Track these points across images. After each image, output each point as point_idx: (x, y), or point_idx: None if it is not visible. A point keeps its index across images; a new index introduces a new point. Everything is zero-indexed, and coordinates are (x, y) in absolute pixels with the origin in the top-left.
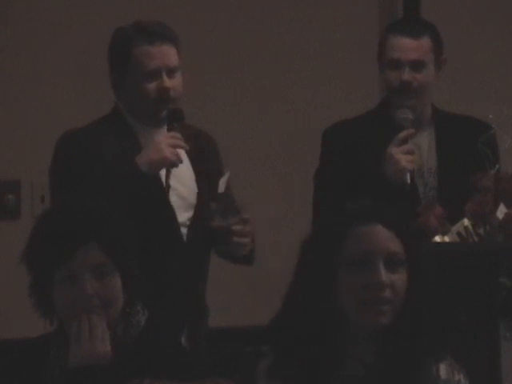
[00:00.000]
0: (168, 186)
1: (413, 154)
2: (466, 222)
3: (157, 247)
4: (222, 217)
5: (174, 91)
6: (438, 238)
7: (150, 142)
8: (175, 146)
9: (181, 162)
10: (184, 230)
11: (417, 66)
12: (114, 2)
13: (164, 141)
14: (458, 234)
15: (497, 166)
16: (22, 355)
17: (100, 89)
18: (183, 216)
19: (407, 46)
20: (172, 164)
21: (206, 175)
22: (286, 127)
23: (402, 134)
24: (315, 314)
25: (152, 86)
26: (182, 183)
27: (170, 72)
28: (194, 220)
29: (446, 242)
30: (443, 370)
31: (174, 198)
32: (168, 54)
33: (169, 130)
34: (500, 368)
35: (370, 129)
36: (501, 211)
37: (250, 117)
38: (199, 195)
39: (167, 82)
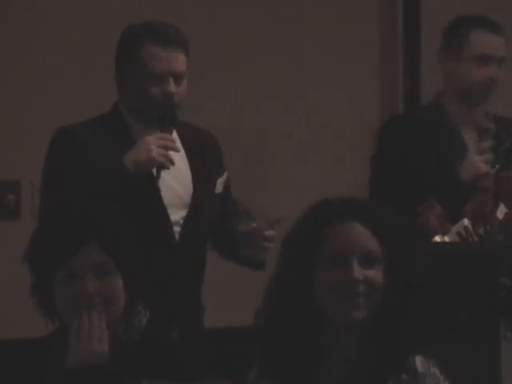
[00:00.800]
0: (158, 188)
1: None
2: (465, 221)
3: (148, 246)
4: (247, 221)
5: (178, 97)
6: (437, 238)
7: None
8: (165, 148)
9: (172, 164)
10: (177, 229)
11: (500, 63)
12: (114, 2)
13: (153, 141)
14: (458, 233)
15: (497, 166)
16: (24, 355)
17: (101, 89)
18: (177, 215)
19: (497, 44)
20: (161, 165)
21: (203, 174)
22: (287, 127)
23: (486, 145)
24: (294, 310)
25: (157, 89)
26: (178, 181)
27: (177, 78)
28: (187, 219)
29: (446, 242)
30: (419, 362)
31: (168, 197)
32: (177, 60)
33: (161, 130)
34: (500, 368)
35: (426, 124)
36: (501, 211)
37: (251, 117)
38: (194, 194)
39: (173, 87)
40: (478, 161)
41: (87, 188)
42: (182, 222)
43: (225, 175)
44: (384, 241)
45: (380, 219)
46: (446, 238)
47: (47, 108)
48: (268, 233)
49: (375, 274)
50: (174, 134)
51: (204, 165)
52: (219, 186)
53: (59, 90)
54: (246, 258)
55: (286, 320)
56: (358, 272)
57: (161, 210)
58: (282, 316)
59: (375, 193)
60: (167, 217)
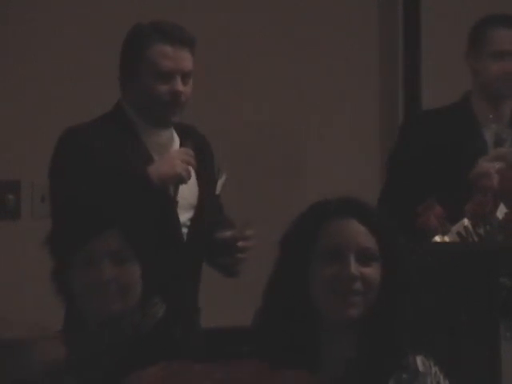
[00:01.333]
0: (176, 202)
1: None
2: (465, 221)
3: (159, 247)
4: (223, 229)
5: (185, 96)
6: (438, 238)
7: (154, 141)
8: (187, 163)
9: (189, 178)
10: (184, 230)
11: None
12: (114, 2)
13: (178, 156)
14: (458, 233)
15: (497, 165)
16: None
17: (101, 89)
18: (184, 216)
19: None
20: (182, 180)
21: (205, 175)
22: (286, 127)
23: (499, 152)
24: (289, 311)
25: (164, 87)
26: None
27: (184, 77)
28: (194, 220)
29: (446, 242)
30: (420, 362)
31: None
32: (184, 59)
33: (181, 145)
34: (500, 368)
35: (451, 122)
36: (501, 211)
37: (250, 117)
38: (200, 196)
39: (180, 86)
40: (488, 168)
41: (98, 187)
42: (188, 223)
43: (224, 177)
44: (381, 239)
45: (377, 218)
46: (446, 238)
47: (47, 108)
48: (240, 243)
49: (372, 271)
50: (175, 136)
51: (205, 167)
52: (219, 188)
53: (59, 90)
54: (218, 264)
55: (282, 320)
56: (355, 268)
57: (172, 212)
58: (278, 316)
59: (388, 192)
60: (177, 218)
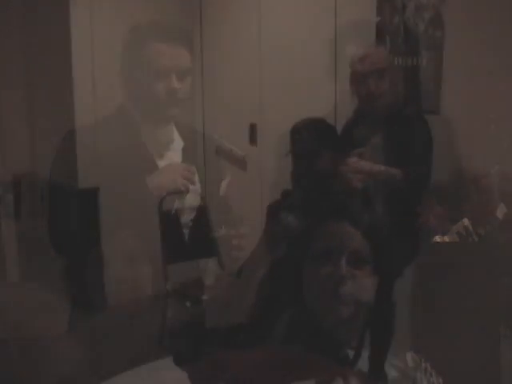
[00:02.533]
0: (176, 217)
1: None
2: (465, 221)
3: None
4: (221, 227)
5: (183, 93)
6: (437, 238)
7: (154, 141)
8: (188, 180)
9: (187, 194)
10: (186, 231)
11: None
12: (115, 3)
13: (179, 171)
14: (458, 233)
15: (496, 166)
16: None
17: (100, 88)
18: (186, 217)
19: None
20: (180, 196)
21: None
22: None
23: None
24: (283, 308)
25: (161, 85)
26: None
27: (181, 74)
28: (195, 221)
29: (446, 242)
30: (410, 357)
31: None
32: (180, 56)
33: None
34: (500, 368)
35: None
36: (501, 211)
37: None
38: (202, 197)
39: (176, 83)
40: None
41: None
42: (190, 224)
43: (227, 178)
44: (374, 243)
45: (371, 222)
46: (446, 238)
47: (48, 108)
48: (234, 241)
49: (363, 274)
50: (176, 135)
51: (207, 166)
52: (223, 189)
53: (60, 90)
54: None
55: (275, 317)
56: (347, 270)
57: (174, 227)
58: (271, 313)
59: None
60: (177, 219)
